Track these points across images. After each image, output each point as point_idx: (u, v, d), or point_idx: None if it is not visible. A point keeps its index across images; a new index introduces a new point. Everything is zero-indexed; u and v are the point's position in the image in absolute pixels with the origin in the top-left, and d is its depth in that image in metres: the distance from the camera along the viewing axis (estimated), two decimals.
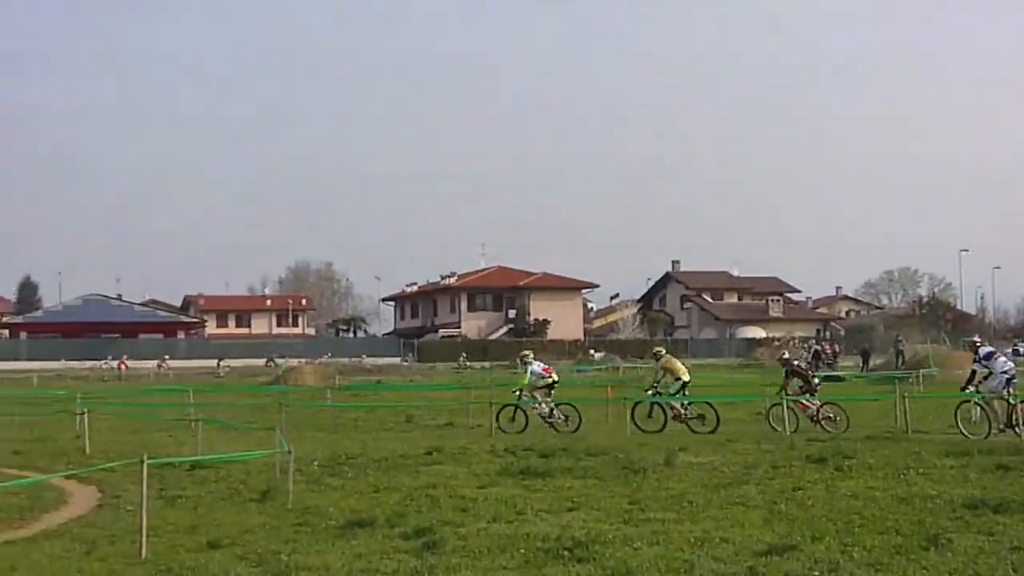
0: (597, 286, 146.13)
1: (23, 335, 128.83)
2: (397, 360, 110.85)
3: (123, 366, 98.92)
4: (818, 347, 79.46)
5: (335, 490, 19.34)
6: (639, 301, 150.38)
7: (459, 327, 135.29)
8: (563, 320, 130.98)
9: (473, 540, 14.16)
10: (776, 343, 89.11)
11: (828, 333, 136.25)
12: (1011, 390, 27.24)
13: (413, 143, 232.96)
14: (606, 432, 29.52)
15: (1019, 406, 26.79)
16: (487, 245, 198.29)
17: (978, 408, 27.65)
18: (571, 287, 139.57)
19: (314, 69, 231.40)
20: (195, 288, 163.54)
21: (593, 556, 12.97)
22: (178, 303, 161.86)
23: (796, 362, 33.45)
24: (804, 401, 30.74)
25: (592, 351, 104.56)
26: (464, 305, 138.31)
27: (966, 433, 26.95)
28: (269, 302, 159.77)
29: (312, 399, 46.95)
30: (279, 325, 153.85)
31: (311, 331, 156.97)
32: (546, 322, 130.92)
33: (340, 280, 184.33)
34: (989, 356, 27.87)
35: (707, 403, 32.11)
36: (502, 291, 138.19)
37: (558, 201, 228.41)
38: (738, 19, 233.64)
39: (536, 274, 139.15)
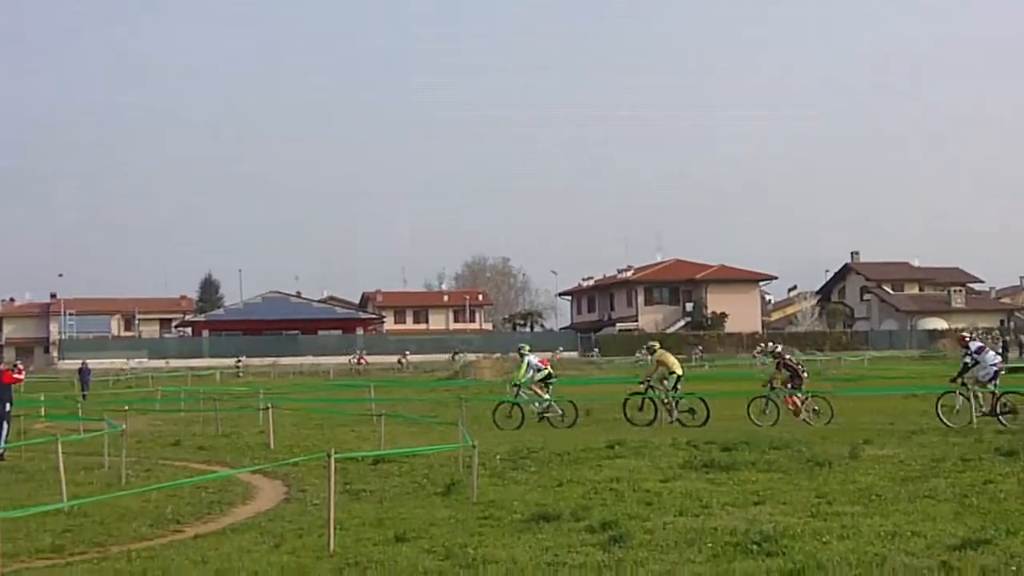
0: (775, 278, 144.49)
1: (205, 333, 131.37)
2: (575, 355, 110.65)
3: (363, 360, 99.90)
4: (1006, 338, 77.79)
5: (518, 484, 19.34)
6: (818, 293, 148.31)
7: (636, 321, 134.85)
8: (740, 313, 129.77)
9: (659, 534, 14.05)
10: (960, 334, 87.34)
11: (1012, 324, 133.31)
12: (997, 382, 29.25)
13: (587, 139, 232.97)
14: (786, 426, 29.08)
15: (1003, 397, 28.72)
16: (663, 238, 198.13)
17: (961, 398, 29.07)
18: (748, 279, 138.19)
19: (500, 70, 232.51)
20: (373, 284, 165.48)
21: (782, 550, 12.78)
22: (356, 300, 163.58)
23: (788, 356, 33.44)
24: (788, 395, 31.26)
25: (770, 344, 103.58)
26: (641, 299, 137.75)
27: (947, 423, 28.17)
28: (446, 298, 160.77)
29: (491, 393, 47.07)
30: (456, 320, 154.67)
31: (488, 326, 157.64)
32: (723, 315, 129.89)
33: (517, 275, 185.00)
34: (979, 351, 29.72)
35: (700, 398, 32.34)
36: (679, 284, 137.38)
37: (733, 191, 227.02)
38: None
39: (713, 266, 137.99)
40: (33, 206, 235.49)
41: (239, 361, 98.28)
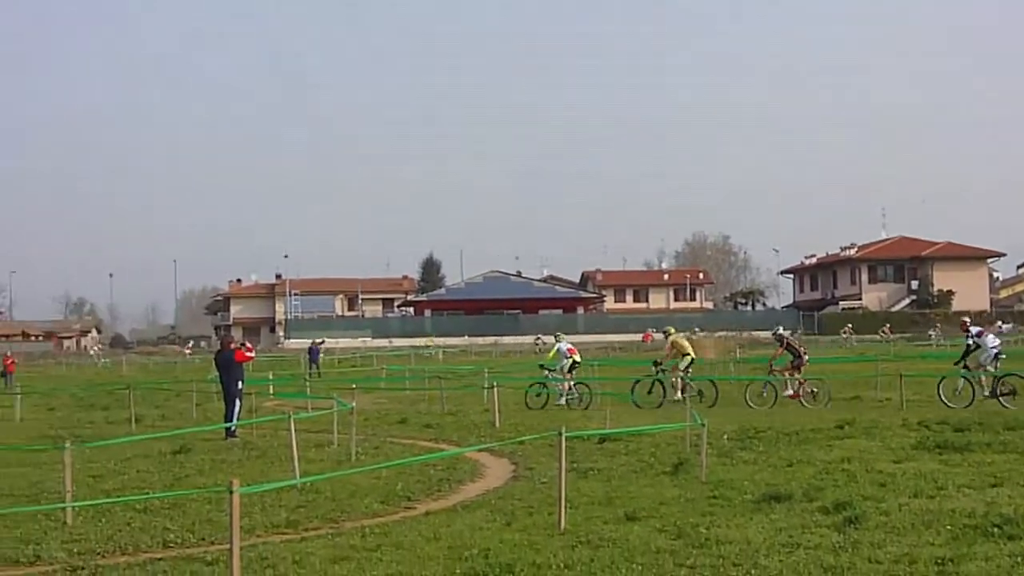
0: (1003, 255, 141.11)
1: (427, 312, 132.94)
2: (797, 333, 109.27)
3: (648, 338, 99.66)
4: None
5: (747, 464, 19.12)
6: None
7: (859, 299, 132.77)
8: (967, 291, 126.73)
9: (895, 515, 13.75)
10: (961, 319, 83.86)
11: None
12: (998, 364, 30.39)
13: (812, 116, 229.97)
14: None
15: (1004, 379, 29.79)
16: (887, 214, 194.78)
17: (963, 380, 30.32)
18: (976, 256, 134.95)
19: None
20: (593, 264, 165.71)
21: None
22: (576, 279, 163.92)
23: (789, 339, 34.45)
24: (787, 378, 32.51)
25: (999, 323, 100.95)
26: (864, 277, 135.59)
27: (948, 404, 29.37)
28: (666, 276, 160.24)
29: (711, 372, 46.70)
30: (676, 300, 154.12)
31: (708, 305, 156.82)
32: (950, 293, 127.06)
33: (737, 253, 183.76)
34: (979, 334, 31.07)
35: (710, 380, 34.46)
36: (903, 262, 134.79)
37: (962, 166, 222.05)
38: None
39: (939, 243, 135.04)
40: (260, 189, 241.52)
41: (428, 343, 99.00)
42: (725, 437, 22.27)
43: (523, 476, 18.79)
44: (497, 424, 27.46)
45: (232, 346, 28.92)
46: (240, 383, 27.68)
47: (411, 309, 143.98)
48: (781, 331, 34.82)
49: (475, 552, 12.38)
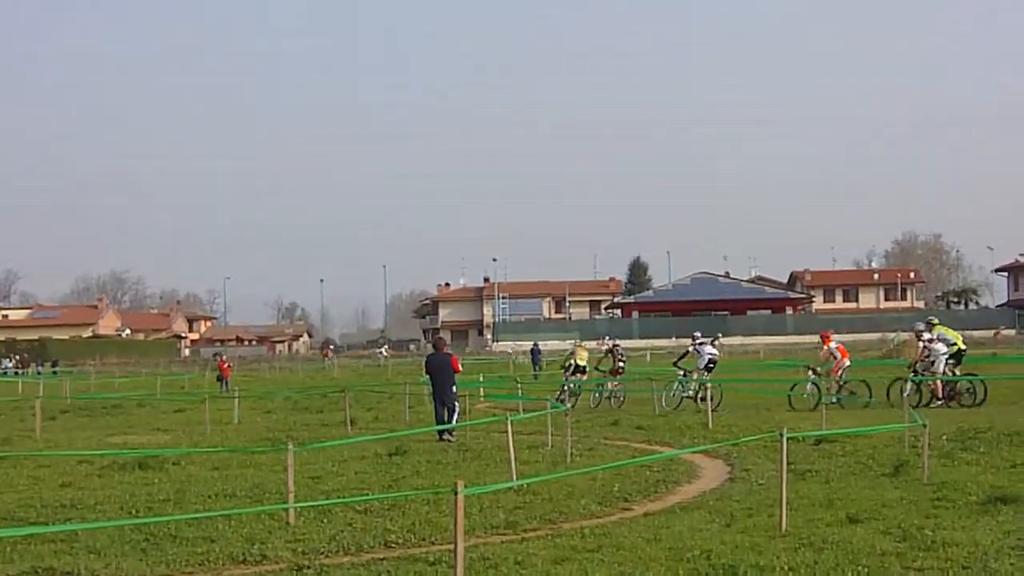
0: None
1: (635, 314, 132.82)
2: (1012, 332, 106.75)
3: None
4: None
5: (970, 465, 18.75)
6: None
7: None
8: None
9: None
10: None
11: None
12: None
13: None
14: None
15: None
16: None
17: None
18: None
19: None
20: (801, 264, 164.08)
21: None
22: (784, 279, 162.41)
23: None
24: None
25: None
26: None
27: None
28: (876, 276, 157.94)
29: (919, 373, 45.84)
30: (887, 299, 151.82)
31: (920, 304, 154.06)
32: None
33: (949, 251, 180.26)
34: None
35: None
36: None
37: None
38: None
39: None
40: (468, 195, 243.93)
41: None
42: (944, 438, 21.83)
43: (740, 477, 18.68)
44: (710, 425, 27.31)
45: (446, 351, 29.12)
46: (454, 387, 27.85)
47: (618, 311, 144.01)
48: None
49: (696, 553, 12.32)
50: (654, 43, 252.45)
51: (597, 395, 35.98)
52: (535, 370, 63.85)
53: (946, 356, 32.08)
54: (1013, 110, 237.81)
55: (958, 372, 32.04)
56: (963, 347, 32.53)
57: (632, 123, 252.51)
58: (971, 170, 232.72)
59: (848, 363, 34.25)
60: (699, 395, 33.68)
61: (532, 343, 73.64)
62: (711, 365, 35.87)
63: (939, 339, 32.31)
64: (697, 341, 37.00)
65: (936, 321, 34.11)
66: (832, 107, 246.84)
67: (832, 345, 33.99)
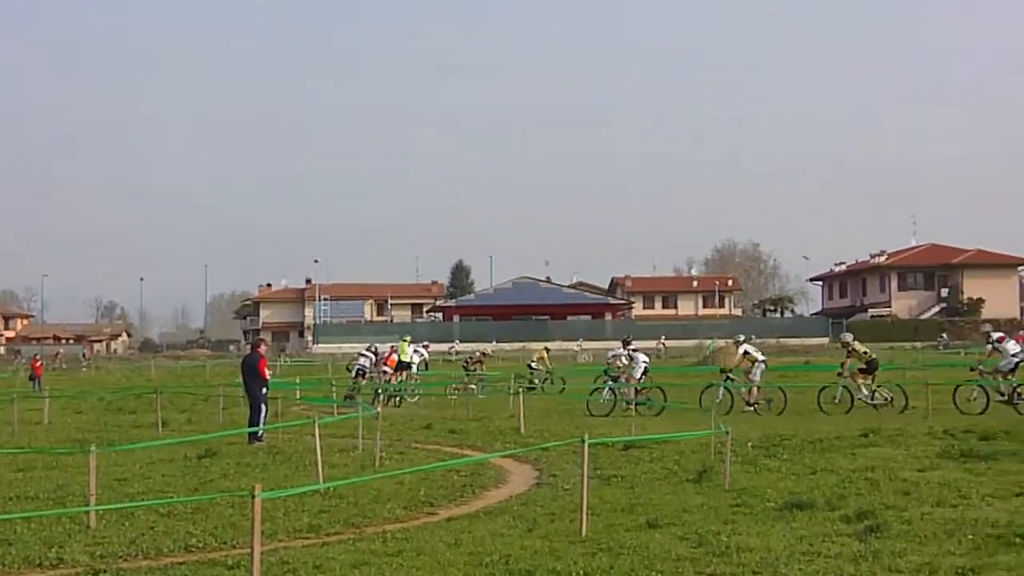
0: None
1: (456, 318, 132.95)
2: (825, 340, 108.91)
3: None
4: None
5: (771, 471, 19.10)
6: None
7: (889, 306, 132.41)
8: (997, 298, 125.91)
9: (917, 524, 13.73)
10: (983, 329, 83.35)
11: None
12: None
13: (837, 124, 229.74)
14: None
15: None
16: (918, 221, 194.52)
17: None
18: (1007, 264, 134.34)
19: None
20: (622, 270, 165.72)
21: None
22: (605, 285, 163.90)
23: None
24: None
25: (987, 327, 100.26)
26: (894, 284, 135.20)
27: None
28: (695, 283, 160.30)
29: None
30: (705, 306, 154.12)
31: (737, 312, 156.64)
32: (980, 301, 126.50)
33: (766, 260, 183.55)
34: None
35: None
36: (933, 269, 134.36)
37: (990, 174, 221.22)
38: None
39: (969, 251, 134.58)
40: (291, 196, 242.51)
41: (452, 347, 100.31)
42: (750, 445, 22.22)
43: (546, 483, 18.79)
44: (522, 430, 27.46)
45: (261, 351, 28.85)
46: (264, 388, 27.66)
47: (440, 315, 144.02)
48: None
49: (496, 558, 12.40)
50: (463, 41, 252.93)
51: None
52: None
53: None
54: (822, 123, 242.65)
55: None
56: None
57: (451, 126, 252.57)
58: (787, 181, 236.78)
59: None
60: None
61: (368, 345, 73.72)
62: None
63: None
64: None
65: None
66: (656, 114, 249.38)
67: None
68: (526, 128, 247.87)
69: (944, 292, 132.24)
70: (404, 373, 41.45)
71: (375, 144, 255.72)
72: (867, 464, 19.47)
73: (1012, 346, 31.38)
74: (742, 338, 35.46)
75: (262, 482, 12.63)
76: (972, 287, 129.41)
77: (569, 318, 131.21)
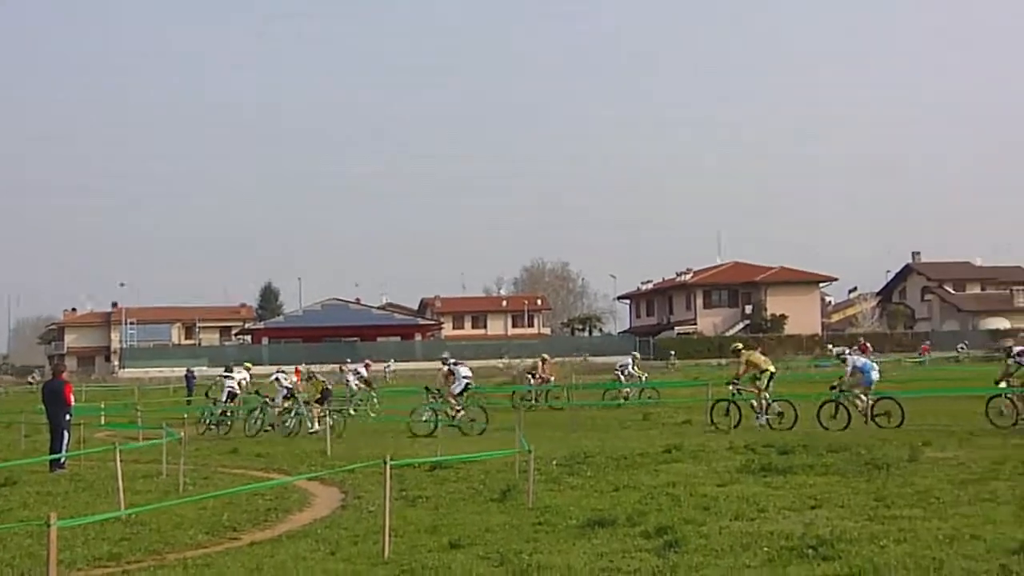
0: (835, 279, 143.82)
1: (265, 340, 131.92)
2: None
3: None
4: None
5: (575, 489, 19.30)
6: (878, 294, 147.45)
7: (695, 324, 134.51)
8: (800, 315, 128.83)
9: (715, 538, 13.98)
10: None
11: None
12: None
13: (643, 141, 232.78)
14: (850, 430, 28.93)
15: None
16: (723, 241, 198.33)
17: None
18: (808, 281, 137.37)
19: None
20: (432, 291, 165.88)
21: (839, 554, 12.69)
22: (415, 306, 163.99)
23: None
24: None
25: (829, 346, 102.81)
26: (700, 302, 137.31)
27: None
28: (505, 303, 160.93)
29: (547, 398, 47.15)
30: (515, 326, 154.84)
31: (546, 331, 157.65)
32: (783, 317, 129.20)
33: (575, 279, 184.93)
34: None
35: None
36: (738, 287, 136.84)
37: (795, 194, 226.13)
38: None
39: (772, 268, 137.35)
40: (96, 218, 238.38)
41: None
42: (554, 463, 22.45)
43: (351, 505, 18.72)
44: (328, 452, 27.36)
45: (64, 377, 28.35)
46: (68, 415, 27.16)
47: (248, 337, 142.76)
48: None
49: None
50: (280, 52, 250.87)
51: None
52: (189, 395, 63.83)
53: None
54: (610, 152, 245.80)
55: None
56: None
57: (247, 148, 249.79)
58: (594, 200, 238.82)
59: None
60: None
61: (186, 369, 74.50)
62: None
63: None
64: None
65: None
66: (457, 134, 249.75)
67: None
68: (321, 149, 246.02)
69: (748, 309, 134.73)
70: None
71: (181, 163, 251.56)
72: (669, 480, 19.80)
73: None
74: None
75: (63, 510, 12.49)
76: (776, 304, 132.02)
77: (379, 339, 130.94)
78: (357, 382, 48.35)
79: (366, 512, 17.60)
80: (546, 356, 53.69)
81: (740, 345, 34.41)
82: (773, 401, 31.83)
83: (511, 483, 19.42)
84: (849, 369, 30.57)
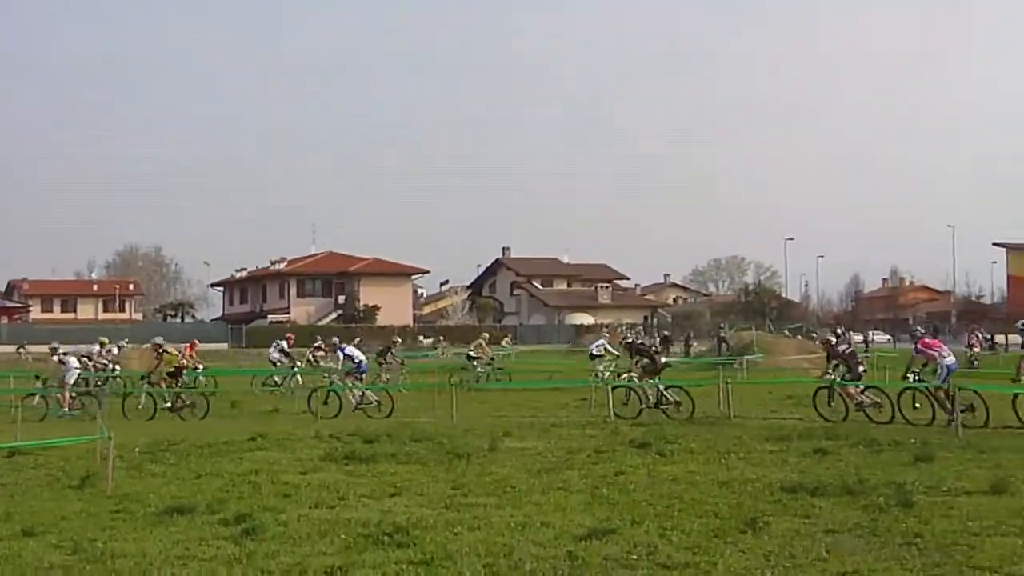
0: (427, 272, 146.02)
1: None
2: (225, 346, 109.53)
3: None
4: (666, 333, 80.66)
5: (156, 477, 19.11)
6: (469, 287, 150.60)
7: (288, 313, 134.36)
8: (393, 306, 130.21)
9: (293, 526, 14.11)
10: (604, 329, 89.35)
11: (655, 320, 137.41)
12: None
13: (262, 131, 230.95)
14: (434, 418, 29.51)
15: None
16: (318, 232, 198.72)
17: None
18: (401, 273, 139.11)
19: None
20: (19, 272, 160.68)
21: (413, 541, 12.98)
22: (1, 288, 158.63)
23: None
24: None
25: (421, 337, 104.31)
26: (294, 291, 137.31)
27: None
28: (96, 287, 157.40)
29: (136, 385, 46.29)
30: (106, 310, 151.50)
31: (138, 316, 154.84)
32: (375, 308, 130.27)
33: (169, 265, 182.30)
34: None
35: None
36: (332, 277, 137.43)
37: (389, 186, 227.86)
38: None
39: (367, 260, 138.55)
40: None
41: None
42: (136, 450, 22.14)
43: None
44: None
45: None
46: None
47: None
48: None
49: None
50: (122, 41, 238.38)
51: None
52: None
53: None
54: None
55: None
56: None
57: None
58: (193, 186, 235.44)
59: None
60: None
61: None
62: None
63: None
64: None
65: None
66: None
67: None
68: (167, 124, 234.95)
69: (342, 299, 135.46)
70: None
71: None
72: (252, 468, 19.80)
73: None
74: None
75: None
76: (369, 295, 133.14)
77: None
78: None
79: None
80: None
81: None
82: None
83: (91, 470, 19.05)
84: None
